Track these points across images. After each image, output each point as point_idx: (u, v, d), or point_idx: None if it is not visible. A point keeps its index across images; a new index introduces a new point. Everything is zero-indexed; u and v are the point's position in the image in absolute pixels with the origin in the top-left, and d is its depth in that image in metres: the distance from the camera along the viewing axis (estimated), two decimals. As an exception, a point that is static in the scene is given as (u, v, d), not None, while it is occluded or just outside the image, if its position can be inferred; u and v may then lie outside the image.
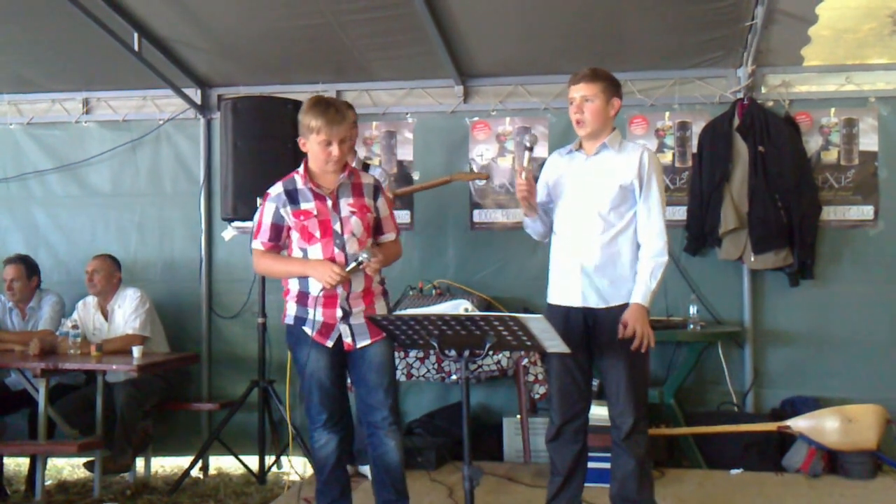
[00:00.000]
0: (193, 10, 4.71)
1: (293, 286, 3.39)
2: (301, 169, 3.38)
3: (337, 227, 3.31)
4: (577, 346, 3.40)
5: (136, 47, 4.94)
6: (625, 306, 3.36)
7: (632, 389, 3.36)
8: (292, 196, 3.34)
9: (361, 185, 3.40)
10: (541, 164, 5.24)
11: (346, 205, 3.34)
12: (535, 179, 3.54)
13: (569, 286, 3.43)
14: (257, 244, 3.41)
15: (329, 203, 3.31)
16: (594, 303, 3.40)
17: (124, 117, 5.73)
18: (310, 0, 4.53)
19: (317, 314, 3.31)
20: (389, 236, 3.50)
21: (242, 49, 5.17)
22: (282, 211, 3.35)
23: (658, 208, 3.39)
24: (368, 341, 3.35)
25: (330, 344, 3.35)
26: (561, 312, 3.44)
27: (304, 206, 3.32)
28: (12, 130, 5.84)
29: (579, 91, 3.39)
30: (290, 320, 3.41)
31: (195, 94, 5.61)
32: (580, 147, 3.49)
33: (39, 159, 5.79)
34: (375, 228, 3.45)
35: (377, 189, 3.44)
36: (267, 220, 3.37)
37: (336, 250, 3.30)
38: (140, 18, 4.85)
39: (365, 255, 3.25)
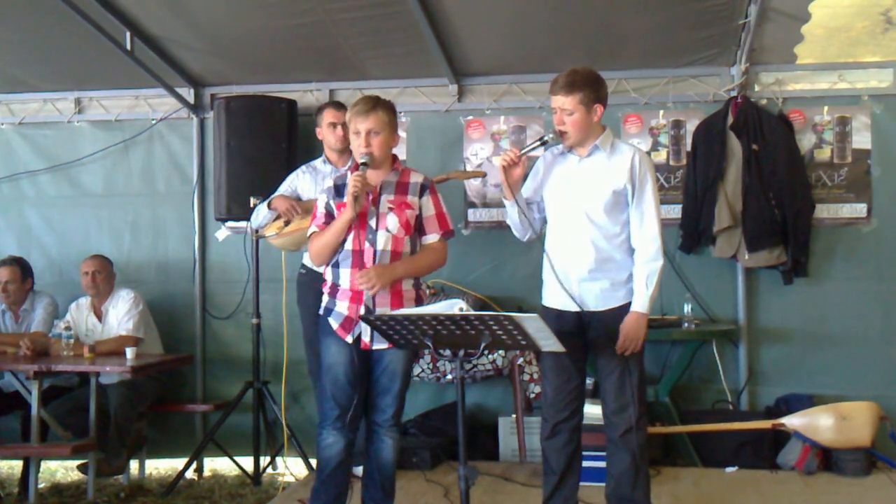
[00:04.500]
0: (186, 8, 4.69)
1: (329, 278, 3.42)
2: (351, 164, 3.48)
3: (372, 222, 3.33)
4: (572, 345, 3.37)
5: (128, 46, 4.91)
6: (622, 307, 3.35)
7: (630, 386, 3.35)
8: (339, 190, 3.42)
9: (408, 184, 3.42)
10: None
11: (386, 201, 3.37)
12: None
13: (564, 291, 3.39)
14: (313, 229, 3.46)
15: (370, 198, 3.33)
16: (592, 306, 3.38)
17: (117, 117, 5.70)
18: (303, -1, 4.53)
19: (341, 306, 3.34)
20: (430, 237, 3.43)
21: (235, 48, 5.15)
22: (331, 202, 3.41)
23: (651, 212, 3.35)
24: (385, 345, 3.27)
25: (350, 340, 3.34)
26: (555, 314, 3.42)
27: (346, 199, 3.34)
28: (4, 130, 5.80)
29: (558, 103, 3.34)
30: (321, 311, 3.44)
31: (188, 94, 5.58)
32: (572, 148, 3.44)
33: (31, 159, 5.76)
34: (419, 229, 3.43)
35: (424, 187, 3.42)
36: (321, 209, 3.45)
37: (367, 244, 3.31)
38: (132, 17, 4.82)
39: (365, 159, 3.29)
